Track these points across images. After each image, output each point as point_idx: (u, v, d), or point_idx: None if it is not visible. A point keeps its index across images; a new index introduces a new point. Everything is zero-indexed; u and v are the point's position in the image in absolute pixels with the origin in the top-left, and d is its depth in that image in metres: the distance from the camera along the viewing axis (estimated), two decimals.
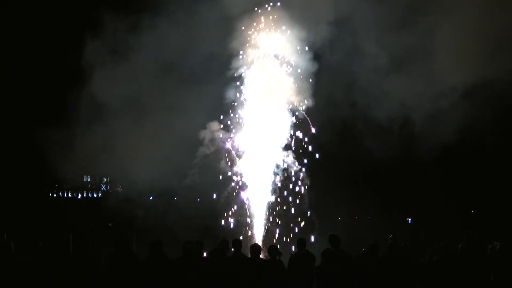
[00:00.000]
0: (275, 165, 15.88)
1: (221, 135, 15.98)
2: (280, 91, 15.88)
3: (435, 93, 15.08)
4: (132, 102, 16.67)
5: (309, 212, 16.01)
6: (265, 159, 15.77)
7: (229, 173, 15.85)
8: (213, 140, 15.99)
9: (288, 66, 15.87)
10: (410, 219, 31.27)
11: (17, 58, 21.87)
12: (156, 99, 16.81)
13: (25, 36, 21.99)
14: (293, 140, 15.87)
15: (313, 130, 15.87)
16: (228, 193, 15.84)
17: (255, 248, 8.20)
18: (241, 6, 15.46)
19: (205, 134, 16.00)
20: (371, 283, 7.98)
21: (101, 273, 7.39)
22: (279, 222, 15.71)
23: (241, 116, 16.00)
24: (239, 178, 15.89)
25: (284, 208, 15.86)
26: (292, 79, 15.78)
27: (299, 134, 15.90)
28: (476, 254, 7.67)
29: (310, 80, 15.73)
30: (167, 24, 16.34)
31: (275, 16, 15.89)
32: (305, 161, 15.84)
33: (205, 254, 8.81)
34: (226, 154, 16.02)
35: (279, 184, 15.91)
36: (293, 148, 15.85)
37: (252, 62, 15.95)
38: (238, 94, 15.96)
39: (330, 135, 17.03)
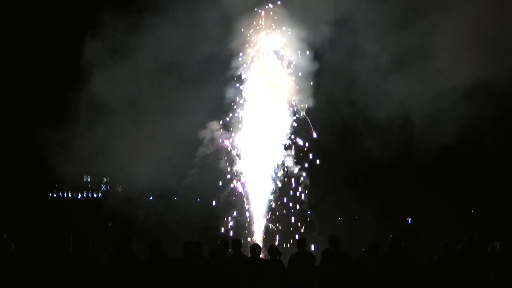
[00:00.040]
0: (275, 165, 15.89)
1: (220, 135, 15.99)
2: (280, 91, 15.89)
3: (435, 93, 15.08)
4: (132, 102, 16.67)
5: (309, 212, 16.01)
6: (265, 159, 15.77)
7: (229, 175, 15.86)
8: (213, 140, 16.00)
9: (288, 66, 15.87)
10: (410, 219, 31.27)
11: (17, 58, 21.88)
12: (156, 99, 16.81)
13: (25, 36, 22.00)
14: (293, 145, 15.87)
15: (315, 135, 15.88)
16: (228, 193, 15.84)
17: (255, 248, 8.20)
18: (241, 6, 15.47)
19: (205, 134, 16.01)
20: (371, 283, 7.98)
21: (101, 273, 7.40)
22: (279, 227, 15.70)
23: (241, 115, 16.00)
24: (239, 178, 15.90)
25: (284, 211, 15.86)
26: (292, 79, 15.78)
27: (299, 139, 15.90)
28: (476, 254, 7.66)
29: (311, 83, 15.74)
30: (167, 24, 16.35)
31: (275, 17, 15.89)
32: (306, 165, 15.85)
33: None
34: (226, 154, 16.03)
35: (279, 184, 15.92)
36: (294, 153, 15.84)
37: (252, 62, 15.96)
38: (238, 94, 15.97)
39: (330, 135, 17.04)
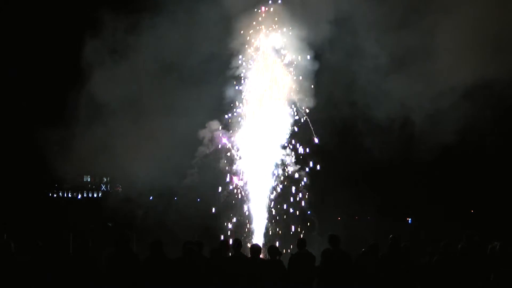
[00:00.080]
0: (274, 165, 15.89)
1: (220, 134, 15.99)
2: (281, 90, 15.89)
3: (435, 93, 15.08)
4: (132, 102, 16.68)
5: (309, 212, 16.01)
6: (265, 158, 15.76)
7: (228, 174, 15.87)
8: (212, 139, 16.00)
9: (289, 65, 15.87)
10: (410, 219, 31.27)
11: (17, 58, 21.89)
12: (156, 99, 16.81)
13: (25, 36, 22.01)
14: (294, 152, 15.87)
15: (316, 140, 15.89)
16: (228, 193, 15.85)
17: (255, 248, 8.20)
18: (241, 6, 15.46)
19: (204, 134, 16.01)
20: (371, 283, 7.98)
21: (101, 273, 7.40)
22: (279, 231, 15.70)
23: (241, 115, 16.00)
24: (238, 178, 15.90)
25: (284, 211, 15.87)
26: (292, 78, 15.78)
27: (301, 146, 15.91)
28: (476, 254, 7.66)
29: (312, 83, 15.74)
30: (167, 24, 16.35)
31: (276, 18, 15.89)
32: (307, 169, 15.86)
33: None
34: (225, 154, 16.04)
35: (279, 184, 15.92)
36: (294, 158, 15.83)
37: (252, 61, 15.95)
38: (237, 93, 15.97)
39: (330, 135, 17.04)
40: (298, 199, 15.83)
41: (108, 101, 16.28)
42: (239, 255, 8.09)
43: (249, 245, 8.69)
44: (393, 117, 16.04)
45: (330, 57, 16.05)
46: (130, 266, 7.41)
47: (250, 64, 15.95)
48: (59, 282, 7.22)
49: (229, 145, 15.94)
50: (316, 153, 16.02)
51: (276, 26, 15.86)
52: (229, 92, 15.94)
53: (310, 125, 15.81)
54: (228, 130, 16.03)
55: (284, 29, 15.76)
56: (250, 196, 15.87)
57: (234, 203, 15.86)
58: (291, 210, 15.72)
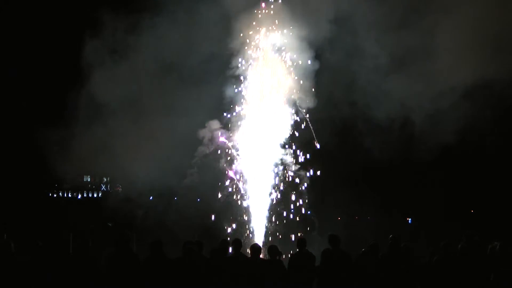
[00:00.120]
0: (274, 164, 15.89)
1: (220, 134, 15.99)
2: (280, 90, 15.89)
3: (435, 93, 15.08)
4: (132, 102, 16.68)
5: (309, 212, 16.01)
6: (265, 158, 15.76)
7: (229, 173, 15.86)
8: (212, 139, 16.00)
9: (289, 65, 15.87)
10: (410, 219, 31.27)
11: (17, 58, 21.88)
12: (156, 99, 16.81)
13: (25, 36, 22.00)
14: (294, 158, 15.88)
15: (317, 146, 15.89)
16: (228, 192, 15.85)
17: (255, 248, 8.19)
18: (241, 5, 15.47)
19: (204, 133, 16.01)
20: (371, 283, 7.98)
21: (101, 273, 7.40)
22: (278, 235, 15.70)
23: (241, 114, 16.00)
24: (238, 177, 15.90)
25: (284, 211, 15.87)
26: (292, 77, 15.78)
27: (300, 151, 15.91)
28: (476, 254, 7.66)
29: (312, 83, 15.74)
30: (167, 24, 16.35)
31: (276, 19, 15.89)
32: (308, 174, 15.86)
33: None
34: (225, 153, 16.04)
35: (278, 183, 15.92)
36: (294, 166, 15.83)
37: (252, 60, 15.95)
38: (237, 93, 15.97)
39: (330, 135, 17.04)
40: (298, 204, 15.84)
41: (108, 101, 16.29)
42: (239, 255, 8.09)
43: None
44: (393, 117, 16.05)
45: (330, 57, 16.07)
46: (130, 266, 7.41)
47: (250, 64, 15.95)
48: (59, 282, 7.22)
49: (229, 144, 15.93)
50: (317, 158, 16.02)
51: (277, 23, 15.86)
52: (229, 91, 15.95)
53: (311, 129, 15.81)
54: (228, 130, 16.04)
55: (285, 31, 15.76)
56: (250, 195, 15.87)
57: (234, 204, 15.86)
58: (291, 216, 15.72)
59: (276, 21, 15.90)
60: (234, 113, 15.98)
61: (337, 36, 15.62)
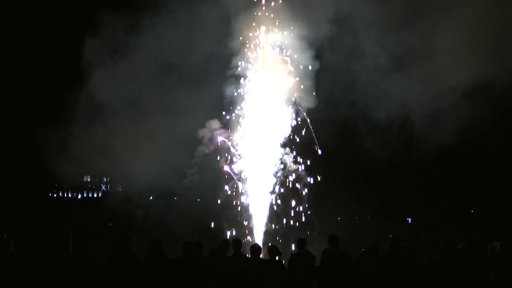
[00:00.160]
0: (274, 164, 15.89)
1: (219, 133, 15.98)
2: (280, 90, 15.88)
3: (435, 93, 15.08)
4: (132, 102, 16.69)
5: (309, 212, 16.01)
6: (265, 158, 15.76)
7: (223, 167, 15.86)
8: (212, 139, 15.99)
9: (289, 64, 15.87)
10: (410, 219, 31.26)
11: (17, 58, 21.88)
12: (156, 99, 16.82)
13: (25, 36, 22.00)
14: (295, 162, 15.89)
15: (319, 152, 15.89)
16: (228, 192, 15.85)
17: (255, 248, 8.19)
18: (241, 5, 15.47)
19: (204, 133, 16.01)
20: (371, 283, 7.98)
21: (101, 273, 7.40)
22: (278, 239, 15.70)
23: (241, 114, 16.00)
24: (238, 177, 15.90)
25: (284, 210, 15.86)
26: (293, 78, 15.78)
27: (301, 158, 15.91)
28: (476, 254, 7.66)
29: (312, 82, 15.74)
30: (167, 24, 16.35)
31: (276, 15, 15.88)
32: (310, 180, 15.86)
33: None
34: (225, 153, 16.04)
35: (278, 183, 15.92)
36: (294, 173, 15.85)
37: (252, 60, 15.95)
38: (237, 93, 15.96)
39: (330, 135, 17.04)
40: (298, 209, 15.85)
41: (108, 101, 16.30)
42: (239, 255, 8.09)
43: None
44: (393, 117, 16.06)
45: (330, 57, 16.08)
46: (130, 266, 7.41)
47: (250, 63, 15.95)
48: (59, 282, 7.22)
49: (228, 143, 15.92)
50: (318, 164, 16.03)
51: (277, 23, 15.85)
52: (229, 91, 15.95)
53: (313, 133, 15.81)
54: (228, 129, 16.04)
55: (285, 33, 15.74)
56: (250, 195, 15.86)
57: (233, 204, 15.86)
58: (291, 223, 15.72)
59: (276, 21, 15.89)
60: (233, 114, 15.97)
61: (337, 36, 15.65)
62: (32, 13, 22.43)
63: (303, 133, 15.86)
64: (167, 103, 16.51)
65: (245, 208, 15.80)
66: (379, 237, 8.97)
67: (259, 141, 15.77)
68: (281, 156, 15.87)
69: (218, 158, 15.95)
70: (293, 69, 15.81)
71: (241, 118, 15.97)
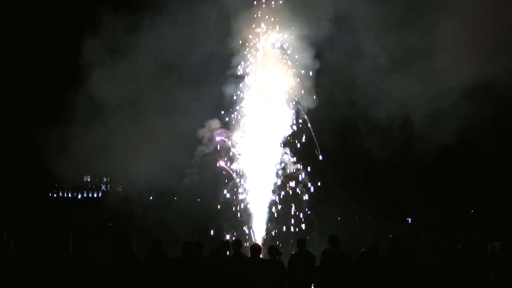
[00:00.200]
0: (274, 164, 15.88)
1: (219, 133, 15.98)
2: (280, 89, 15.88)
3: (435, 93, 15.08)
4: (132, 102, 16.68)
5: (309, 212, 16.01)
6: (265, 158, 15.76)
7: (218, 163, 15.86)
8: (212, 138, 15.99)
9: (289, 64, 15.87)
10: (410, 219, 31.28)
11: (17, 58, 21.89)
12: (156, 99, 16.82)
13: (25, 36, 22.01)
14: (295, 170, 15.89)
15: (320, 157, 15.89)
16: (228, 192, 15.85)
17: (255, 248, 8.19)
18: (241, 5, 15.47)
19: (204, 133, 16.01)
20: (371, 283, 7.98)
21: (101, 273, 7.40)
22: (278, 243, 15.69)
23: (241, 114, 16.00)
24: (238, 177, 15.91)
25: (284, 208, 15.86)
26: (293, 77, 15.78)
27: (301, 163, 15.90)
28: (476, 254, 7.66)
29: (312, 84, 15.75)
30: (167, 24, 16.35)
31: (276, 15, 15.88)
32: (311, 186, 15.86)
33: None
34: (225, 153, 16.04)
35: (279, 183, 15.92)
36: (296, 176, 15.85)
37: (252, 59, 15.95)
38: (237, 92, 15.96)
39: (330, 135, 17.04)
40: (297, 213, 15.86)
41: (108, 101, 16.30)
42: (239, 255, 8.09)
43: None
44: (393, 117, 16.06)
45: (330, 57, 16.07)
46: (130, 266, 7.41)
47: (250, 63, 15.95)
48: (59, 282, 7.22)
49: (228, 142, 15.92)
50: (319, 170, 16.04)
51: (277, 23, 15.85)
52: (229, 91, 15.95)
53: (314, 138, 15.81)
54: (228, 129, 16.03)
55: (286, 34, 15.74)
56: (250, 194, 15.86)
57: (233, 204, 15.86)
58: (291, 229, 15.73)
59: (277, 20, 15.89)
60: (233, 114, 15.97)
61: (337, 36, 15.64)
62: (31, 13, 22.45)
63: (303, 140, 15.84)
64: (167, 103, 16.52)
65: (245, 208, 15.80)
66: (379, 237, 8.96)
67: (259, 140, 15.76)
68: (281, 156, 15.85)
69: (218, 157, 15.95)
70: (293, 69, 15.80)
71: (240, 117, 15.97)
